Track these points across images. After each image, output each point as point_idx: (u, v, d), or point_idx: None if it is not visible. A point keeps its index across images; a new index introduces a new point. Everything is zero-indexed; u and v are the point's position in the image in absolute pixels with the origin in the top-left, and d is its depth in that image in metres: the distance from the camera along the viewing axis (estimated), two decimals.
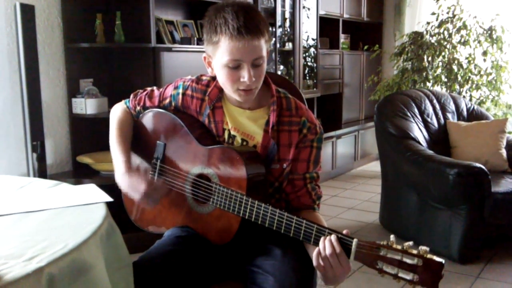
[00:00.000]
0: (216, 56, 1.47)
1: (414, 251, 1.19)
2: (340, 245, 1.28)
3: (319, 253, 1.31)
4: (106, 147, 1.70)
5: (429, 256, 1.17)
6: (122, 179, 1.58)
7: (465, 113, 3.89)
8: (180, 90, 1.64)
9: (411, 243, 1.21)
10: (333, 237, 1.29)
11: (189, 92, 1.63)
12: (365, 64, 6.02)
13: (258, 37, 1.42)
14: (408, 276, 1.18)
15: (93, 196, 1.44)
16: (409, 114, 3.58)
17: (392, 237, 1.23)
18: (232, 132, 1.58)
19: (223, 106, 1.59)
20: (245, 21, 1.39)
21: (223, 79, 1.49)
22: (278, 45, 4.57)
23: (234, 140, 1.58)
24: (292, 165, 1.56)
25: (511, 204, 3.07)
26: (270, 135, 1.53)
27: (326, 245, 1.29)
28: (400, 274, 1.19)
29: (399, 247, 1.21)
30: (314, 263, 1.33)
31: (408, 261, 1.19)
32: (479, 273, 2.92)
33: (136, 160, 1.71)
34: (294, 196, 1.57)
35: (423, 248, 1.19)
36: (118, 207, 1.60)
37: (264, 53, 1.47)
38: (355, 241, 1.26)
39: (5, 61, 2.94)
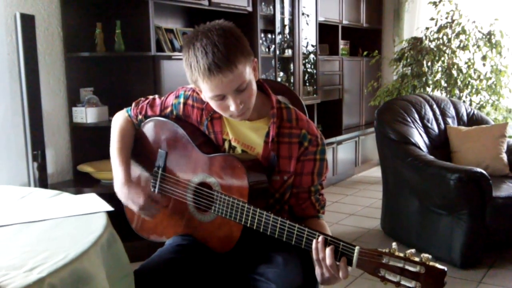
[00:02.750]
0: (201, 90, 1.47)
1: (416, 259, 1.19)
2: (326, 248, 1.28)
3: (318, 259, 1.31)
4: (106, 156, 1.70)
5: (431, 263, 1.17)
6: (121, 191, 1.58)
7: (465, 118, 3.89)
8: (181, 100, 1.64)
9: (413, 250, 1.20)
10: (320, 238, 1.29)
11: (190, 101, 1.63)
12: (364, 70, 6.03)
13: (230, 70, 1.37)
14: (411, 284, 1.18)
15: (93, 206, 1.44)
16: (409, 119, 3.58)
17: (394, 244, 1.23)
18: (233, 143, 1.57)
19: (223, 116, 1.59)
20: (213, 57, 1.35)
21: (214, 108, 1.50)
22: (277, 52, 4.58)
23: (235, 151, 1.58)
24: (296, 179, 1.55)
25: None
26: (270, 148, 1.53)
27: (327, 255, 1.28)
28: (403, 282, 1.19)
29: (401, 254, 1.21)
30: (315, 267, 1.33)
31: (411, 268, 1.18)
32: (481, 279, 2.91)
33: (138, 168, 1.71)
34: (298, 208, 1.57)
35: (425, 255, 1.18)
36: (118, 216, 1.60)
37: (247, 76, 1.42)
38: (357, 249, 1.26)
39: (6, 71, 2.95)
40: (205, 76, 1.38)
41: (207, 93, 1.44)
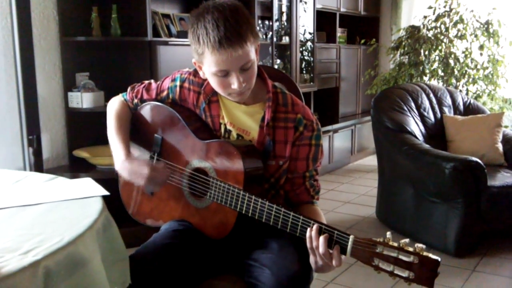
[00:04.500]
0: (204, 64, 1.46)
1: (410, 249, 1.19)
2: (320, 236, 1.28)
3: (311, 247, 1.32)
4: (102, 141, 1.69)
5: (425, 253, 1.17)
6: (122, 166, 1.57)
7: (461, 107, 3.89)
8: (178, 83, 1.64)
9: (407, 240, 1.21)
10: (315, 227, 1.30)
11: (186, 84, 1.62)
12: (362, 58, 6.01)
13: (241, 46, 1.37)
14: (404, 273, 1.19)
15: (89, 190, 1.44)
16: (405, 108, 3.58)
17: (388, 234, 1.23)
18: (228, 127, 1.57)
19: (219, 100, 1.59)
20: (225, 31, 1.35)
21: (214, 85, 1.50)
22: (274, 39, 4.56)
23: (230, 135, 1.57)
24: (291, 164, 1.55)
25: (507, 198, 3.08)
26: (265, 132, 1.52)
27: (320, 243, 1.29)
28: (396, 271, 1.20)
29: (395, 244, 1.21)
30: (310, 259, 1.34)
31: (404, 258, 1.19)
32: (475, 267, 2.93)
33: (134, 152, 1.71)
34: (293, 194, 1.58)
35: (419, 245, 1.19)
36: (114, 201, 1.60)
37: (252, 56, 1.43)
38: (351, 238, 1.26)
39: (1, 55, 2.93)
40: (214, 48, 1.37)
41: (211, 68, 1.43)
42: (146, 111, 1.69)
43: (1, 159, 2.97)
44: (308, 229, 1.32)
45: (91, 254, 1.09)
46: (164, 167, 1.56)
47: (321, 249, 1.28)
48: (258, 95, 1.57)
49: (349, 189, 4.68)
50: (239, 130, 1.57)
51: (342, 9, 5.59)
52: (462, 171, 2.93)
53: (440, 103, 3.81)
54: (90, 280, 1.06)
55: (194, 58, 1.50)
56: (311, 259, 1.34)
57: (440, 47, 4.71)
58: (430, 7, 4.81)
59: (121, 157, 1.58)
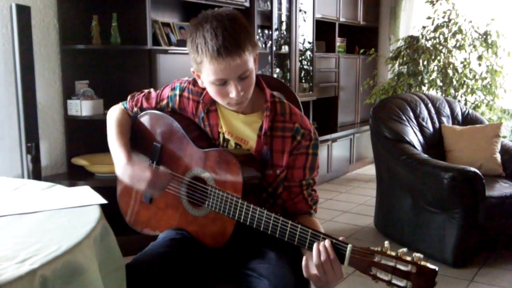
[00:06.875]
0: (202, 73, 1.47)
1: (408, 258, 1.19)
2: (334, 251, 1.28)
3: (310, 260, 1.31)
4: (101, 149, 1.70)
5: (423, 263, 1.17)
6: (124, 171, 1.56)
7: (460, 117, 3.90)
8: (177, 92, 1.64)
9: (405, 249, 1.21)
10: (327, 242, 1.29)
11: (185, 94, 1.63)
12: (361, 68, 6.03)
13: (239, 55, 1.38)
14: (402, 283, 1.18)
15: (87, 198, 1.44)
16: (404, 117, 3.59)
17: (386, 243, 1.23)
18: (226, 136, 1.58)
19: (218, 109, 1.59)
20: (224, 40, 1.35)
21: (212, 94, 1.50)
22: (274, 48, 4.58)
23: (228, 144, 1.58)
24: (288, 173, 1.55)
25: (505, 208, 3.08)
26: (263, 141, 1.53)
27: (320, 251, 1.29)
28: (394, 281, 1.19)
29: (393, 253, 1.21)
30: (304, 273, 1.32)
31: (402, 267, 1.18)
32: (472, 277, 2.93)
33: (134, 160, 1.71)
34: (290, 202, 1.57)
35: (417, 255, 1.18)
36: (112, 209, 1.59)
37: (250, 65, 1.44)
38: (349, 246, 1.26)
39: (1, 62, 2.94)
40: (213, 57, 1.37)
41: (209, 77, 1.43)
42: (145, 119, 1.70)
43: None
44: (315, 244, 1.30)
45: (88, 263, 1.09)
46: (165, 171, 1.56)
47: (323, 257, 1.28)
48: (256, 104, 1.57)
49: (347, 199, 4.67)
50: (237, 139, 1.57)
51: (342, 19, 5.62)
52: (460, 181, 2.93)
53: (438, 113, 3.82)
54: None
55: (192, 67, 1.50)
56: (313, 274, 1.33)
57: (438, 57, 4.73)
58: (429, 18, 4.83)
59: (122, 162, 1.57)
